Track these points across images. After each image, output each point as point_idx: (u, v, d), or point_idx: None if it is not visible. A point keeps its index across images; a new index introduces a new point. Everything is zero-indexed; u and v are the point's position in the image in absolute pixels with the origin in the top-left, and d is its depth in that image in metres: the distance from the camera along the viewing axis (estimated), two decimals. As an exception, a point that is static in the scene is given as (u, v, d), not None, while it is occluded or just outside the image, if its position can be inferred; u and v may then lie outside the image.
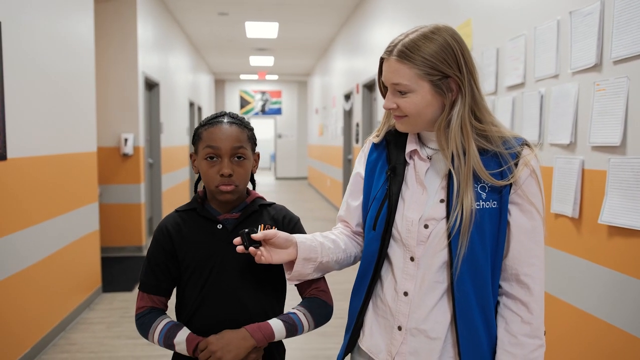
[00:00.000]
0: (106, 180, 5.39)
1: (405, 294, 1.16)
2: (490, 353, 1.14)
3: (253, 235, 1.16)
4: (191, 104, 9.79)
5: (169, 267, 1.30)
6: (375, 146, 1.28)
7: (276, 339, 1.24)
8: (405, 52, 1.10)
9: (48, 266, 3.29)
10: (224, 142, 1.25)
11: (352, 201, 1.30)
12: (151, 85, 6.41)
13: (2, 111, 2.72)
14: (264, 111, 15.94)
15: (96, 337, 3.41)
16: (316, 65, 12.42)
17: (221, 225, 1.30)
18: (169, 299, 1.35)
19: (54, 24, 3.44)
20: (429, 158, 1.19)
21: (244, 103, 15.77)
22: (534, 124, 2.41)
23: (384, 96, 1.21)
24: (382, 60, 1.17)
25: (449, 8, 3.60)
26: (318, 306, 1.29)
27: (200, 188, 1.38)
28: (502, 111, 2.74)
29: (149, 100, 6.41)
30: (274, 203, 1.39)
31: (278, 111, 15.97)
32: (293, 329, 1.25)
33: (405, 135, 1.23)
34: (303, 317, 1.27)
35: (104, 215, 5.26)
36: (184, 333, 1.25)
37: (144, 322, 1.28)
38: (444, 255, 1.12)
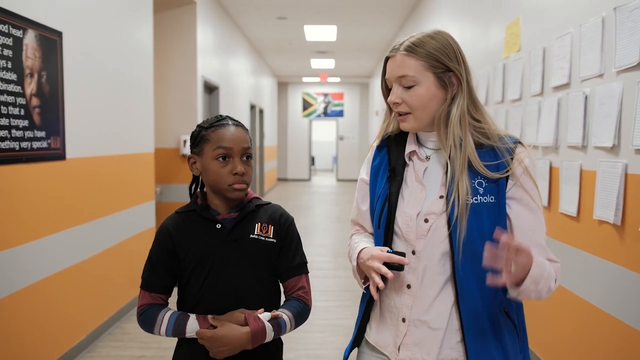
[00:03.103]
0: (166, 180, 5.65)
1: (409, 286, 1.21)
2: (494, 338, 1.16)
3: None
4: (252, 107, 10.02)
5: (170, 266, 1.36)
6: (378, 150, 1.33)
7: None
8: (412, 46, 1.19)
9: (107, 259, 3.50)
10: (235, 143, 1.31)
11: (362, 206, 1.36)
12: (211, 89, 6.64)
13: (62, 114, 2.93)
14: (326, 113, 16.05)
15: (148, 329, 3.58)
16: (377, 67, 12.37)
17: (220, 225, 1.35)
18: (170, 296, 1.41)
19: (114, 33, 3.66)
20: (428, 158, 1.25)
21: (306, 105, 15.95)
22: (578, 125, 2.30)
23: (385, 97, 1.27)
24: (387, 59, 1.24)
25: (500, 7, 3.50)
26: (303, 311, 1.36)
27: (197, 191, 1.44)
28: (547, 113, 2.63)
29: (209, 103, 6.64)
30: (270, 202, 1.43)
31: (340, 113, 16.02)
32: (278, 335, 1.32)
33: (405, 138, 1.28)
34: (288, 324, 1.33)
35: (164, 213, 5.51)
36: (193, 318, 1.31)
37: (146, 317, 1.34)
38: (444, 246, 1.17)
